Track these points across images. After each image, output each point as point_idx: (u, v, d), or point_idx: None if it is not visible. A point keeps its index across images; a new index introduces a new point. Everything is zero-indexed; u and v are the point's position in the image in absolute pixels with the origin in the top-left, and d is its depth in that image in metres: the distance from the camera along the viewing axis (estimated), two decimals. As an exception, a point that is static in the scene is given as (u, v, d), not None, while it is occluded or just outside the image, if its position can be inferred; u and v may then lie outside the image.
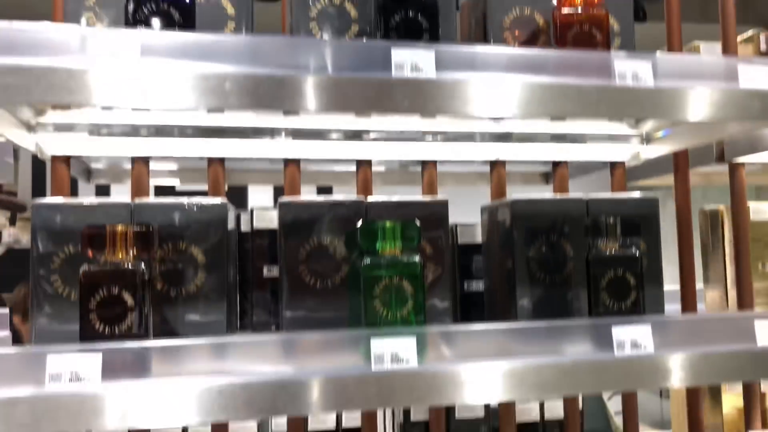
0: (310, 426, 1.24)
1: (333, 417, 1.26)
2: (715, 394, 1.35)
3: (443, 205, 0.99)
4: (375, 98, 0.79)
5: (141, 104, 0.73)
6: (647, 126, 1.23)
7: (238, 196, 1.19)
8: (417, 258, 0.89)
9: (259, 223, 1.12)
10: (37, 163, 3.76)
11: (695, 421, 1.22)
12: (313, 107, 0.78)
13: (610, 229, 0.93)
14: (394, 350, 0.80)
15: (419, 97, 0.79)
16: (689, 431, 1.25)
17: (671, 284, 1.18)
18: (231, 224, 0.98)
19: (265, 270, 1.10)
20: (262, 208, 1.13)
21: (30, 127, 1.01)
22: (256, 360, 0.79)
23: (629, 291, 0.93)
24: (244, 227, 1.13)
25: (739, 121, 0.91)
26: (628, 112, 0.86)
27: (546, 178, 1.48)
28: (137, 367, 0.75)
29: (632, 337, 0.86)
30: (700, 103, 0.87)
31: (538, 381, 0.82)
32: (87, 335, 0.78)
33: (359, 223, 0.89)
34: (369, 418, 1.13)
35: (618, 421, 3.12)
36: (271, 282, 1.09)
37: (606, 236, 0.93)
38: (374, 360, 0.80)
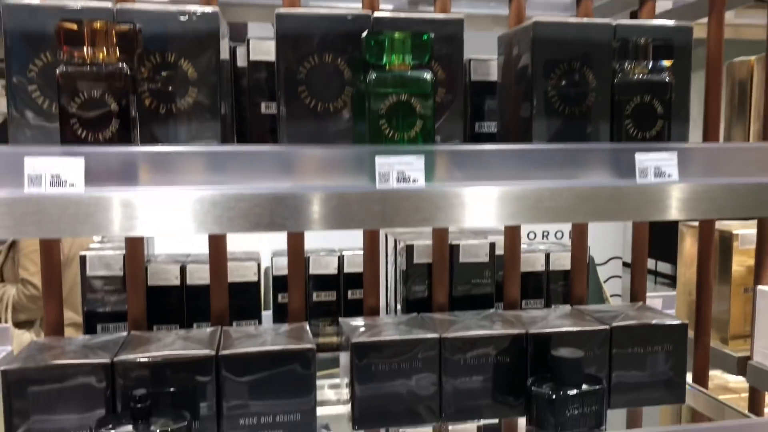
0: (312, 270, 1.22)
1: (335, 262, 1.23)
2: (726, 250, 1.32)
3: (458, 25, 0.90)
4: None
5: None
6: (684, -46, 1.11)
7: (239, 37, 1.11)
8: (428, 75, 0.81)
9: (256, 55, 1.03)
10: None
11: (704, 282, 1.19)
12: None
13: (639, 52, 0.85)
14: (400, 168, 0.74)
15: None
16: (698, 290, 1.23)
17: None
18: (224, 43, 0.90)
19: (263, 106, 1.03)
20: (259, 38, 1.04)
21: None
22: (254, 173, 0.73)
23: (655, 119, 0.86)
24: (241, 62, 1.05)
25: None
26: None
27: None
28: (124, 174, 0.70)
29: (656, 164, 0.80)
30: None
31: (554, 205, 0.77)
32: (68, 142, 0.72)
33: (364, 34, 0.80)
34: (371, 259, 1.10)
35: (613, 302, 3.19)
36: (270, 119, 1.03)
37: (635, 59, 0.85)
38: (379, 178, 0.74)
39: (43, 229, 0.66)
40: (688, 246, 1.42)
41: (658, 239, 1.25)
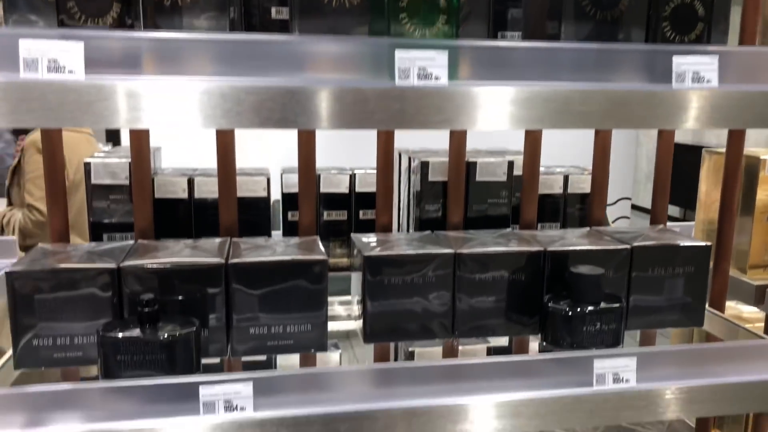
0: (323, 188, 1.18)
1: (346, 180, 1.19)
2: (751, 178, 1.27)
3: None
4: None
5: None
6: None
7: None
8: (452, -33, 0.75)
9: (267, -45, 0.96)
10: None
11: (728, 205, 1.15)
12: None
13: (682, -53, 0.78)
14: (421, 64, 0.69)
15: None
16: (720, 213, 1.18)
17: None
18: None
19: (273, 12, 0.97)
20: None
21: None
22: (265, 66, 0.68)
23: (695, 21, 0.80)
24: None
25: None
26: None
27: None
28: (127, 62, 0.65)
29: (695, 68, 0.74)
30: None
31: (584, 109, 0.72)
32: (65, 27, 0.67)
33: None
34: (385, 174, 1.06)
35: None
36: (281, 25, 0.97)
37: (677, -45, 0.79)
38: (398, 74, 0.69)
39: (41, 117, 0.62)
40: (708, 177, 1.37)
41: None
